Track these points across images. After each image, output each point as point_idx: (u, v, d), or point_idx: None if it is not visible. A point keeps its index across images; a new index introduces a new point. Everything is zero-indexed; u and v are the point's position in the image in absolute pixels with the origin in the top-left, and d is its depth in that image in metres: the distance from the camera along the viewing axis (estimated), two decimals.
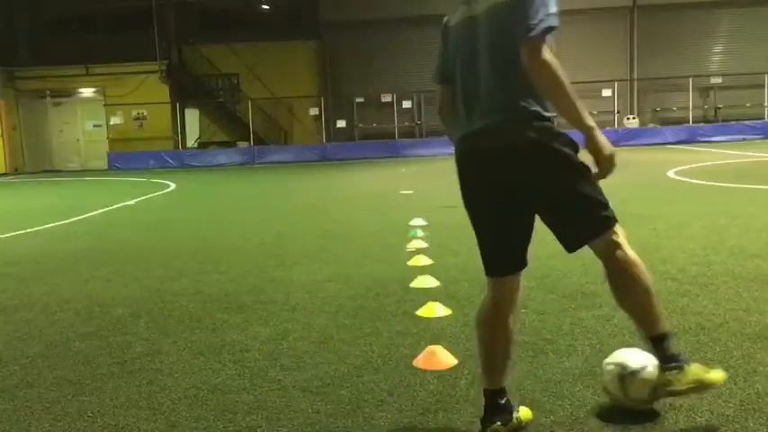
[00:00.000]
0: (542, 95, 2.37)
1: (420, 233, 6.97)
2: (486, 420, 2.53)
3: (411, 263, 5.61)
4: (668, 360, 2.52)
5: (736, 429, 2.52)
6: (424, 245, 6.37)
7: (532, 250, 2.59)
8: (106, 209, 11.29)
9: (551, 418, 2.68)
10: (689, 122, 24.11)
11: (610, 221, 2.46)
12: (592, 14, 24.93)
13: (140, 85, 24.38)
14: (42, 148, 25.93)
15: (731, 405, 2.71)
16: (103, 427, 2.80)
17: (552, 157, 2.39)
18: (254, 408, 2.91)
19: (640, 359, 2.67)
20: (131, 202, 12.22)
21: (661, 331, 2.53)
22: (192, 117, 25.81)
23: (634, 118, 24.40)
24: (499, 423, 2.51)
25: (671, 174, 12.39)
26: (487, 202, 2.53)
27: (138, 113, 25.17)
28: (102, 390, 3.20)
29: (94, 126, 25.84)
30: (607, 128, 24.32)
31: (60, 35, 25.21)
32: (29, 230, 8.95)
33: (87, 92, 25.81)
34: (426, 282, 4.88)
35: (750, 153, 16.90)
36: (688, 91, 24.06)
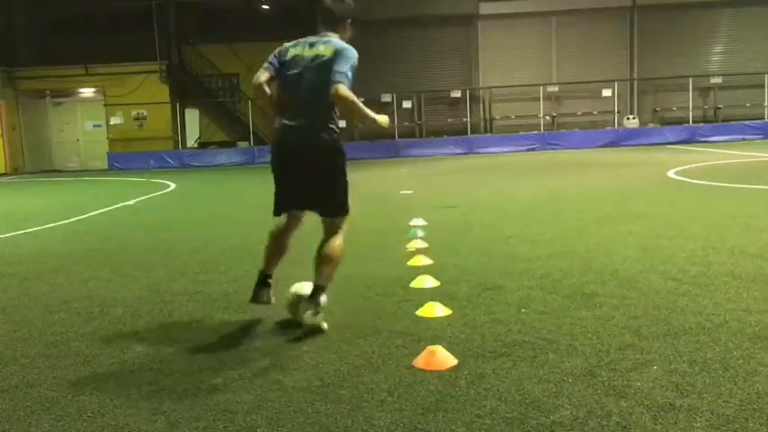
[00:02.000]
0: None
1: (420, 233, 6.97)
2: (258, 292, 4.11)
3: (411, 263, 5.61)
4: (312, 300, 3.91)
5: (736, 429, 2.52)
6: (424, 245, 6.37)
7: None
8: (106, 209, 11.29)
9: (551, 418, 2.68)
10: (689, 122, 24.10)
11: (347, 208, 4.08)
12: (592, 14, 24.96)
13: (140, 85, 24.39)
14: (42, 148, 25.92)
15: (731, 405, 2.71)
16: (103, 427, 2.80)
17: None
18: (254, 408, 2.91)
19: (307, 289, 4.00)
20: (131, 202, 12.21)
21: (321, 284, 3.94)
22: (192, 117, 25.80)
23: (634, 118, 24.40)
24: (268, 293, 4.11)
25: (671, 174, 12.39)
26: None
27: (138, 113, 25.16)
28: (102, 390, 3.20)
29: (94, 126, 25.83)
30: (607, 128, 24.35)
31: (60, 35, 25.20)
32: (29, 230, 8.95)
33: (87, 92, 25.80)
34: (426, 282, 4.88)
35: (750, 153, 16.90)
36: (688, 91, 24.06)
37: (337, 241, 4.02)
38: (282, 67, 3.94)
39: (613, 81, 24.29)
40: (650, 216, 7.51)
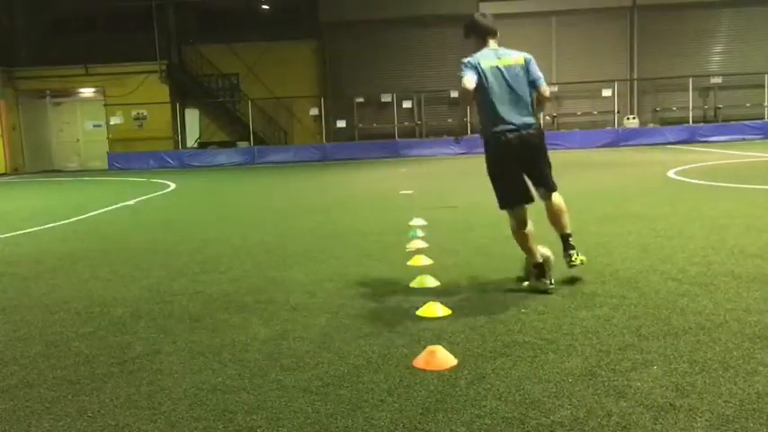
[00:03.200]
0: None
1: (420, 233, 6.97)
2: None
3: (411, 263, 5.62)
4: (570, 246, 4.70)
5: (736, 429, 2.52)
6: (424, 245, 6.37)
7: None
8: (106, 209, 11.29)
9: (551, 418, 2.68)
10: (689, 122, 24.10)
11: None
12: (592, 14, 24.95)
13: (140, 85, 24.39)
14: (42, 148, 25.93)
15: (731, 405, 2.71)
16: (103, 427, 2.80)
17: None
18: (254, 408, 2.91)
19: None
20: (131, 202, 12.21)
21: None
22: (192, 117, 25.80)
23: (634, 118, 24.40)
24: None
25: (671, 174, 12.39)
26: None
27: (138, 113, 25.17)
28: (102, 390, 3.20)
29: (94, 126, 25.84)
30: (607, 128, 24.35)
31: (60, 35, 25.21)
32: (29, 230, 8.95)
33: (87, 92, 25.80)
34: (426, 282, 4.88)
35: (750, 153, 16.90)
36: (688, 91, 24.06)
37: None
38: (480, 77, 4.47)
39: (613, 81, 24.28)
40: (650, 216, 7.51)
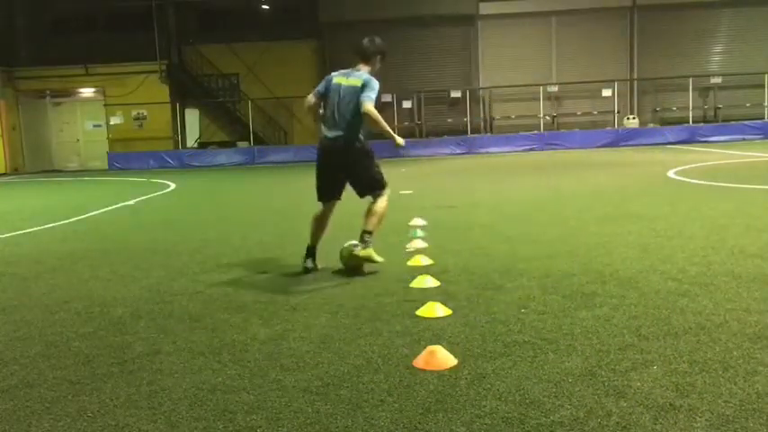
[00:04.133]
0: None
1: (420, 233, 6.97)
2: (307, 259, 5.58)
3: (411, 263, 5.62)
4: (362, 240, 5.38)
5: (736, 429, 2.52)
6: (423, 245, 6.37)
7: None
8: (106, 209, 11.29)
9: (551, 418, 2.68)
10: (689, 122, 24.10)
11: (384, 183, 5.49)
12: (592, 14, 24.96)
13: (140, 85, 24.39)
14: (42, 148, 25.93)
15: (731, 405, 2.71)
16: (103, 427, 2.80)
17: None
18: (254, 408, 2.91)
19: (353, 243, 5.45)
20: (131, 202, 12.22)
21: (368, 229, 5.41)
22: (192, 117, 25.80)
23: (634, 118, 24.40)
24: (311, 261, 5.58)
25: (671, 174, 12.39)
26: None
27: (138, 113, 25.17)
28: (102, 390, 3.20)
29: (94, 126, 25.84)
30: (607, 128, 24.35)
31: (60, 35, 25.21)
32: (29, 230, 8.95)
33: (87, 92, 25.81)
34: (426, 282, 4.88)
35: (750, 153, 16.90)
36: (688, 91, 24.06)
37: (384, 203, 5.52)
38: (327, 91, 5.47)
39: (613, 81, 24.29)
40: (650, 216, 7.51)
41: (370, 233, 5.37)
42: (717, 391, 2.83)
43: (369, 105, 5.17)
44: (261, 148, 24.25)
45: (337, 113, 5.34)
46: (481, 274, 5.14)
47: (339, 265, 5.59)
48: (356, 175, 5.46)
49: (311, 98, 5.61)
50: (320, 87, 5.54)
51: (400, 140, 5.64)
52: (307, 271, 5.49)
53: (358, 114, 5.25)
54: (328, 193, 5.59)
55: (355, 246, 5.37)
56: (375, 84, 5.30)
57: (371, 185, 5.46)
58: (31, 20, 25.42)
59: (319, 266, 5.52)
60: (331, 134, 5.38)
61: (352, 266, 5.39)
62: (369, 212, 5.42)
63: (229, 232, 8.04)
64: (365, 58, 5.47)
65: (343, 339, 3.76)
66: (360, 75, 5.35)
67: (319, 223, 5.60)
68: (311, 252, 5.58)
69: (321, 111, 5.56)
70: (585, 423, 2.62)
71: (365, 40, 5.51)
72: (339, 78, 5.43)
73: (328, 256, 5.67)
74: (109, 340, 3.97)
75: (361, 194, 5.52)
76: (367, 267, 5.43)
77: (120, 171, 23.23)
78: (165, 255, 6.70)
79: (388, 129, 5.37)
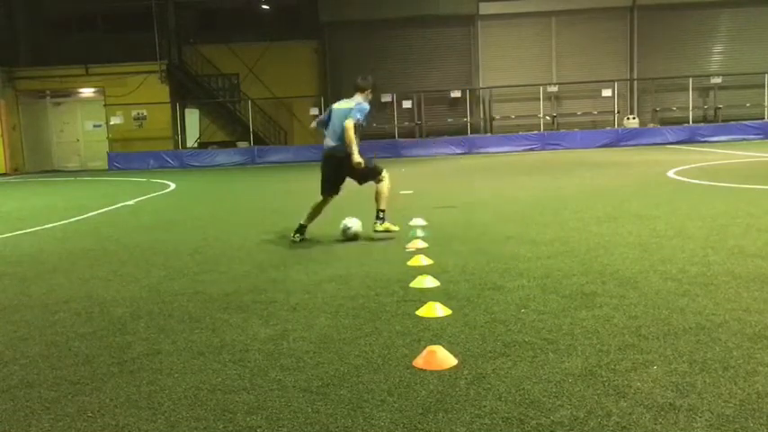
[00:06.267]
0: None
1: (420, 233, 6.97)
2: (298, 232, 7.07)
3: (411, 263, 5.62)
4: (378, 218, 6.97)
5: (736, 429, 2.52)
6: (424, 245, 6.37)
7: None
8: (106, 209, 11.29)
9: (551, 418, 2.68)
10: (689, 122, 24.11)
11: (379, 170, 7.01)
12: (592, 14, 24.97)
13: (140, 85, 24.39)
14: (42, 148, 25.93)
15: (731, 405, 2.71)
16: (103, 427, 2.80)
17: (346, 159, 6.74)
18: (254, 408, 2.91)
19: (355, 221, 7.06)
20: (131, 202, 12.22)
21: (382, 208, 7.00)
22: (192, 117, 25.80)
23: (634, 118, 24.41)
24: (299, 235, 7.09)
25: (671, 174, 12.39)
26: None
27: (138, 113, 25.17)
28: (102, 390, 3.20)
29: (94, 126, 25.84)
30: (607, 128, 24.36)
31: (60, 35, 25.22)
32: (29, 230, 8.95)
33: (87, 92, 25.81)
34: (426, 282, 4.88)
35: (750, 153, 16.90)
36: (688, 91, 24.08)
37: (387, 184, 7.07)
38: (329, 116, 7.07)
39: (613, 81, 24.30)
40: (650, 216, 7.51)
41: (383, 211, 6.96)
42: (717, 391, 2.83)
43: (348, 122, 6.64)
44: (261, 148, 24.25)
45: (333, 128, 6.88)
46: (481, 274, 5.14)
47: (339, 265, 5.59)
48: (353, 172, 6.85)
49: (313, 125, 7.46)
50: (324, 116, 7.16)
51: (357, 159, 6.62)
52: (293, 243, 6.91)
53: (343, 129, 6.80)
54: (330, 189, 7.00)
55: (347, 228, 6.99)
56: (364, 107, 6.81)
57: (369, 176, 6.97)
58: (31, 20, 25.43)
59: (308, 238, 7.01)
60: (331, 144, 6.89)
61: (350, 237, 6.96)
62: (377, 195, 6.95)
63: (229, 232, 8.04)
64: (360, 89, 6.98)
65: (343, 339, 3.76)
66: (352, 100, 6.94)
67: (317, 211, 7.07)
68: (302, 230, 7.03)
69: (324, 129, 7.09)
70: (585, 423, 2.62)
71: (359, 78, 7.06)
72: (338, 104, 7.04)
73: (328, 256, 5.66)
74: (109, 340, 3.97)
75: (361, 183, 7.10)
76: (372, 257, 5.42)
77: (120, 171, 23.23)
78: (165, 255, 6.70)
79: (354, 145, 6.62)
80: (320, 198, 7.05)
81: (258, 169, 21.29)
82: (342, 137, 6.69)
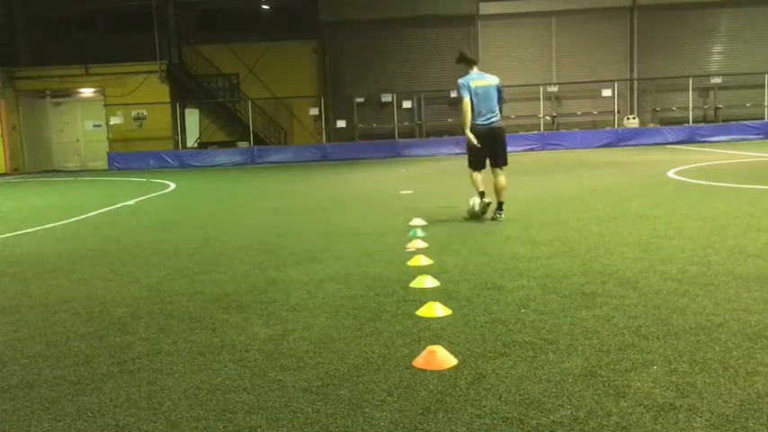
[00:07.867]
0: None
1: (420, 233, 6.97)
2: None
3: (411, 263, 5.62)
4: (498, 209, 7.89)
5: (736, 429, 2.52)
6: (424, 245, 6.37)
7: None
8: (106, 209, 11.29)
9: (551, 418, 2.68)
10: (689, 122, 24.11)
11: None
12: (592, 14, 24.97)
13: (140, 85, 24.39)
14: (42, 148, 25.93)
15: (731, 405, 2.71)
16: (103, 427, 2.80)
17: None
18: (254, 408, 2.91)
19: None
20: (131, 202, 12.22)
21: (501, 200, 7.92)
22: (192, 117, 25.80)
23: (634, 118, 24.41)
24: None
25: (671, 174, 12.39)
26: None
27: (138, 113, 25.17)
28: (102, 390, 3.20)
29: (94, 126, 25.84)
30: (607, 128, 24.36)
31: (60, 35, 25.21)
32: (29, 230, 8.95)
33: (87, 92, 25.81)
34: (426, 282, 4.88)
35: (750, 153, 16.90)
36: (688, 91, 24.07)
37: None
38: (470, 91, 7.68)
39: (613, 81, 24.29)
40: (650, 216, 7.51)
41: (503, 202, 7.86)
42: (717, 391, 2.83)
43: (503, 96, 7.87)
44: (261, 148, 24.25)
45: (489, 106, 7.71)
46: (481, 274, 5.14)
47: (339, 265, 5.59)
48: (504, 149, 7.89)
49: (467, 95, 7.76)
50: (465, 97, 7.70)
51: (470, 136, 7.57)
52: (498, 221, 7.69)
53: (500, 103, 7.88)
54: (483, 163, 7.89)
55: (477, 208, 7.89)
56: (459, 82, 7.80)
57: (505, 158, 7.90)
58: (31, 20, 25.42)
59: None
60: (493, 119, 7.71)
61: (478, 214, 7.92)
62: (496, 189, 7.78)
63: (229, 232, 8.04)
64: (477, 62, 8.01)
65: (343, 339, 3.76)
66: (486, 74, 7.87)
67: (478, 184, 7.88)
68: (500, 205, 7.84)
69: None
70: (585, 423, 2.62)
71: (468, 51, 8.26)
72: (478, 82, 7.71)
73: (329, 256, 5.65)
74: (109, 340, 3.97)
75: (498, 165, 7.83)
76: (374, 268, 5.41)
77: (120, 171, 23.23)
78: (165, 255, 6.70)
79: (466, 123, 7.62)
80: (474, 173, 7.87)
81: (258, 169, 21.29)
82: (500, 111, 7.66)
